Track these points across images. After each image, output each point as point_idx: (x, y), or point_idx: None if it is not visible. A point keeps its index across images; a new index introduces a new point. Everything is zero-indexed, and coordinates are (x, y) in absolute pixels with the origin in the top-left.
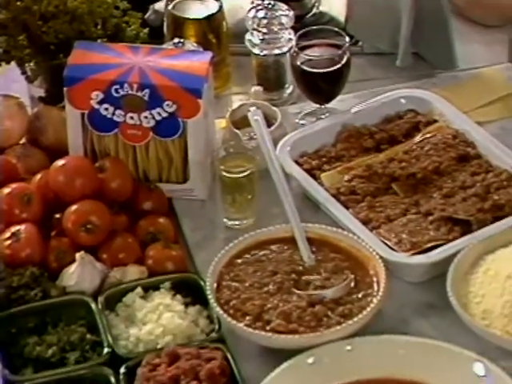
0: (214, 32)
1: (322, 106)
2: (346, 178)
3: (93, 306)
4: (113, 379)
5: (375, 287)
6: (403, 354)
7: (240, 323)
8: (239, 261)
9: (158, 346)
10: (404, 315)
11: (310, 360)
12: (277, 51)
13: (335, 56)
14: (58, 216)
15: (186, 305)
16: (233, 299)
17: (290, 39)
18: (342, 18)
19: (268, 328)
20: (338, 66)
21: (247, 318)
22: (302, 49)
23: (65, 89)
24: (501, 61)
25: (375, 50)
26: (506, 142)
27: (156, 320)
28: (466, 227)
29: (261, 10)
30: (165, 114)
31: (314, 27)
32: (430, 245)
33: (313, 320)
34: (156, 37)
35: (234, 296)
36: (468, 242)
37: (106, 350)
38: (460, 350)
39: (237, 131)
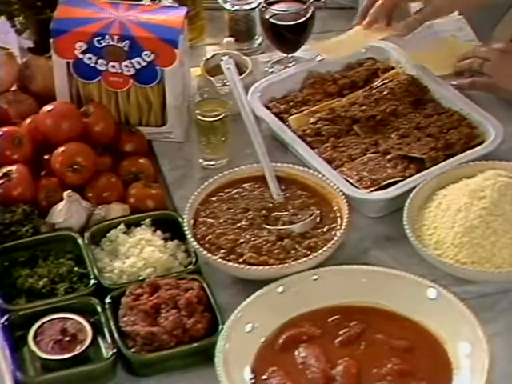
0: None
1: (289, 55)
2: (312, 120)
3: (80, 241)
4: (99, 308)
5: (338, 221)
6: (365, 282)
7: (215, 256)
8: (214, 198)
9: (140, 278)
10: (364, 247)
11: (280, 289)
12: (246, 6)
13: (300, 10)
14: (46, 157)
15: (166, 240)
16: (208, 234)
17: None
18: None
19: (241, 260)
20: (303, 19)
21: (221, 251)
22: (270, 4)
23: (51, 40)
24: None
25: (337, 4)
26: None
27: (138, 254)
28: (420, 165)
29: None
30: (144, 63)
31: None
32: (388, 181)
33: (282, 253)
34: None
35: (210, 231)
36: (422, 179)
37: (92, 281)
38: (415, 277)
39: (211, 78)
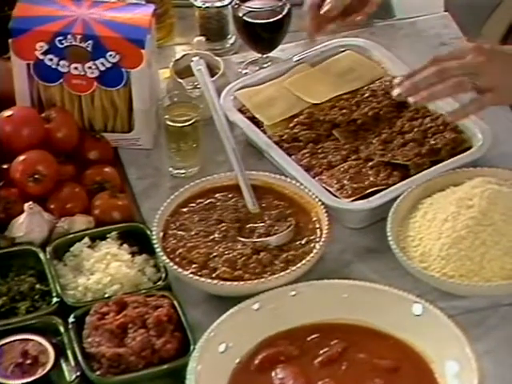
0: None
1: (264, 56)
2: (289, 125)
3: (41, 256)
4: (62, 328)
5: (318, 233)
6: (346, 298)
7: (186, 271)
8: (185, 209)
9: (106, 295)
10: (346, 260)
11: (256, 306)
12: (218, 3)
13: (276, 7)
14: (5, 166)
15: (133, 254)
16: (179, 248)
17: None
18: None
19: (214, 275)
20: (279, 16)
21: (193, 266)
22: (244, 1)
23: (10, 40)
24: (437, 10)
25: None
26: None
27: (103, 269)
28: (404, 172)
29: None
30: (108, 65)
31: None
32: (370, 190)
33: (257, 267)
34: None
35: (180, 245)
36: (407, 187)
37: (54, 299)
38: (399, 292)
39: (180, 81)
